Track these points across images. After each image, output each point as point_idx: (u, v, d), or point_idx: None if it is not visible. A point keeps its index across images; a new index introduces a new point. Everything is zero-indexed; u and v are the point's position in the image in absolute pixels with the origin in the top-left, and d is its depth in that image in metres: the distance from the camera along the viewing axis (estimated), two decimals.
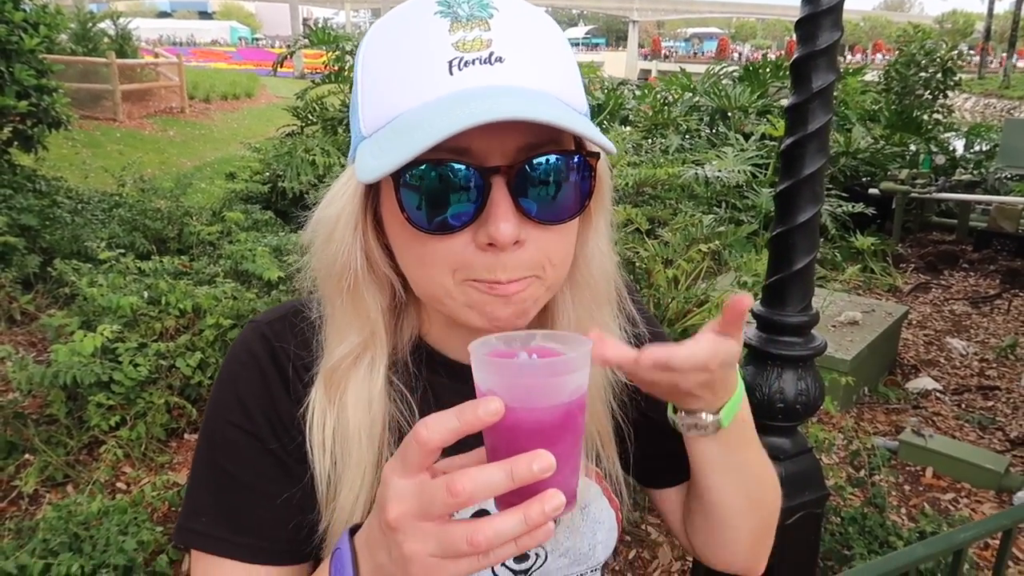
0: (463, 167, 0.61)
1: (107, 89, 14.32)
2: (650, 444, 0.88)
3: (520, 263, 0.65)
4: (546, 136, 0.63)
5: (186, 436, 3.31)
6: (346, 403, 0.72)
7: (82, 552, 2.18)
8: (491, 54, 0.61)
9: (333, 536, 0.72)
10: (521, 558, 0.79)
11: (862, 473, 3.03)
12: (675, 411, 0.76)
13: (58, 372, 2.76)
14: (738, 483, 0.81)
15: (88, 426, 2.98)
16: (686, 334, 3.31)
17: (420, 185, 0.62)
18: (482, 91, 0.59)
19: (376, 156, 0.61)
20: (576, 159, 0.66)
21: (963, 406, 4.49)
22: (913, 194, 8.00)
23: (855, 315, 4.71)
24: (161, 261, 4.23)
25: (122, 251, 4.16)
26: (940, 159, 9.09)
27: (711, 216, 3.64)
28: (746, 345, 1.98)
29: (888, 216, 8.15)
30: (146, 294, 3.57)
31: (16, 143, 6.13)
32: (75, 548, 2.20)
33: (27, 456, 2.86)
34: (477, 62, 0.61)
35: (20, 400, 2.95)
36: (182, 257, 4.73)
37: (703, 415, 0.73)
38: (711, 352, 0.64)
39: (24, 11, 5.79)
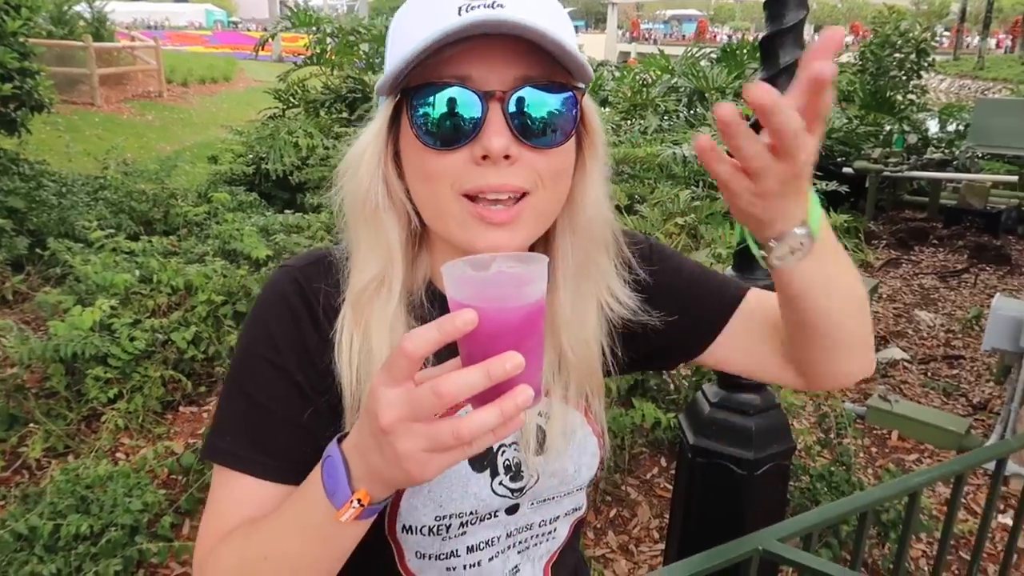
0: (465, 90, 0.72)
1: (84, 73, 14.17)
2: (686, 327, 0.95)
3: (511, 174, 0.75)
4: (540, 72, 0.74)
5: (181, 408, 3.41)
6: (370, 326, 0.81)
7: (90, 513, 2.28)
8: (494, 2, 0.72)
9: None
10: (516, 478, 0.88)
11: (831, 436, 3.19)
12: (763, 253, 0.74)
13: (58, 346, 2.85)
14: (845, 292, 0.82)
15: (87, 399, 3.07)
16: None
17: (427, 105, 0.73)
18: (483, 23, 0.70)
19: (385, 73, 0.73)
20: (565, 93, 0.76)
21: (929, 374, 4.68)
22: (885, 173, 8.18)
23: None
24: (150, 241, 4.30)
25: (112, 231, 4.22)
26: (912, 138, 9.28)
27: (687, 192, 3.77)
28: None
29: (862, 194, 8.33)
30: (138, 272, 3.65)
31: None
32: (82, 510, 2.31)
33: (30, 426, 2.95)
34: (482, 6, 0.71)
35: (20, 374, 3.03)
36: (170, 237, 4.80)
37: (795, 232, 0.71)
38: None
39: None
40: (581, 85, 0.78)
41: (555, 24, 0.75)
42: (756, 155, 0.63)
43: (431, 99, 0.74)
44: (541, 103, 0.75)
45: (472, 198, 0.76)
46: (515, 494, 0.89)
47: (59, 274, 4.30)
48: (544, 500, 0.93)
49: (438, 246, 0.86)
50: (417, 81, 0.74)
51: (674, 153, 5.66)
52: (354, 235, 0.83)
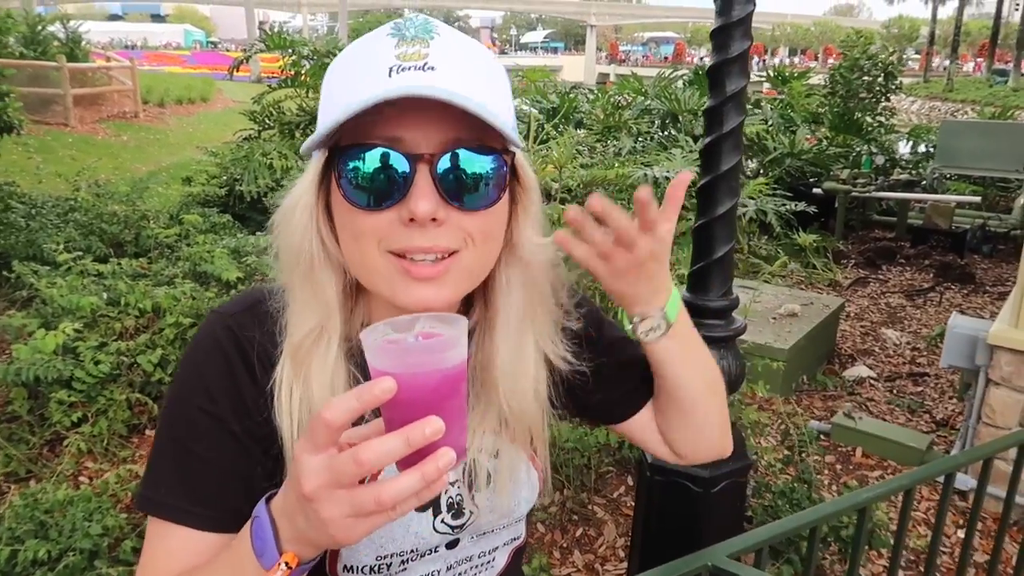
0: (393, 152, 0.74)
1: (58, 93, 14.11)
2: (610, 390, 1.02)
3: (438, 235, 0.76)
4: (471, 135, 0.75)
5: (147, 432, 3.39)
6: (310, 377, 0.81)
7: (48, 538, 2.26)
8: (425, 64, 0.73)
9: None
10: (458, 515, 0.90)
11: (794, 453, 3.24)
12: (631, 327, 0.90)
13: (20, 369, 2.83)
14: (698, 371, 0.97)
15: (50, 423, 3.05)
16: None
17: (356, 167, 0.75)
18: (409, 88, 0.71)
19: (314, 134, 0.75)
20: (495, 156, 0.78)
21: (895, 392, 4.75)
22: (854, 193, 8.33)
23: (794, 307, 4.95)
24: (119, 263, 4.28)
25: (79, 254, 4.20)
26: (880, 159, 9.46)
27: None
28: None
29: (832, 214, 8.47)
30: (105, 295, 3.63)
31: None
32: (41, 535, 2.29)
33: None
34: (413, 68, 0.73)
35: None
36: (140, 260, 4.78)
37: (653, 314, 0.88)
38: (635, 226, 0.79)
39: None
40: (511, 148, 0.80)
41: (487, 86, 0.77)
42: (600, 242, 0.79)
43: (360, 159, 0.74)
44: (470, 166, 0.76)
45: (399, 255, 0.77)
46: (455, 530, 0.91)
47: (25, 297, 4.27)
48: (484, 533, 0.95)
49: (374, 294, 0.87)
50: (347, 140, 0.75)
51: (645, 174, 5.74)
52: (290, 287, 0.84)
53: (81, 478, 2.99)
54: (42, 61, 14.08)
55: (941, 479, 2.18)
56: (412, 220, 0.74)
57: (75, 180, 6.64)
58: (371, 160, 0.74)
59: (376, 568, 0.87)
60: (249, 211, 6.71)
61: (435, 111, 0.73)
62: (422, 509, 0.87)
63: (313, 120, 8.13)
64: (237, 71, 8.31)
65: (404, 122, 0.73)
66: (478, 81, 0.76)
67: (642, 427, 1.06)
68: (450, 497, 0.90)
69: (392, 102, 0.70)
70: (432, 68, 0.73)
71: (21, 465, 2.93)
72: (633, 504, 3.16)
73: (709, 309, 2.11)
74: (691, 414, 1.00)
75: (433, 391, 0.63)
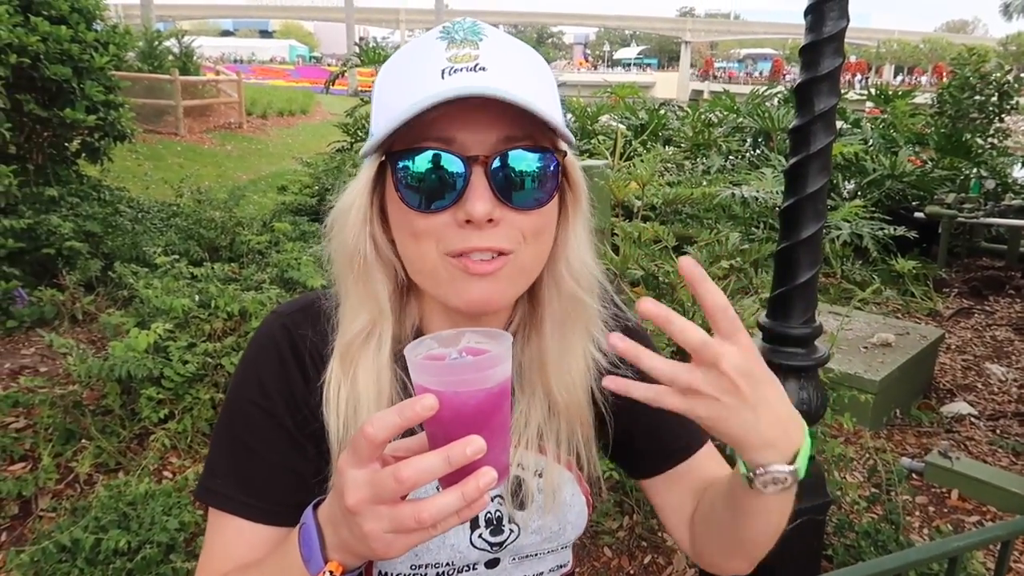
0: (448, 154, 0.74)
1: (170, 105, 14.92)
2: (650, 439, 0.96)
3: (494, 236, 0.76)
4: (522, 133, 0.75)
5: None
6: (357, 375, 0.83)
7: (129, 529, 2.36)
8: (476, 64, 0.74)
9: None
10: (497, 532, 0.89)
11: (881, 491, 3.06)
12: (749, 476, 0.73)
13: (114, 366, 2.98)
14: (780, 523, 0.83)
15: (139, 418, 3.19)
16: None
17: (411, 169, 0.75)
18: (465, 88, 0.71)
19: (370, 139, 0.75)
20: (547, 154, 0.77)
21: (998, 432, 4.44)
22: (960, 218, 7.89)
23: (888, 337, 4.71)
24: (212, 267, 4.46)
25: (176, 257, 4.41)
26: (990, 184, 8.94)
27: (737, 234, 3.71)
28: None
29: (935, 240, 8.05)
30: (197, 297, 3.79)
31: (84, 155, 6.50)
32: (123, 525, 2.39)
33: (83, 442, 3.08)
34: (464, 70, 0.73)
35: (79, 391, 3.18)
36: (232, 264, 4.97)
37: (777, 467, 0.71)
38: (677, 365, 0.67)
39: (96, 31, 6.16)
40: (563, 146, 0.79)
41: (537, 85, 0.77)
42: (655, 368, 0.67)
43: (415, 162, 0.75)
44: (523, 166, 0.76)
45: (458, 255, 0.77)
46: (495, 548, 0.89)
47: (126, 296, 4.50)
48: (526, 556, 0.92)
49: (426, 296, 0.88)
50: (401, 144, 0.75)
51: (733, 194, 5.59)
52: (343, 287, 0.86)
53: (165, 473, 3.11)
54: (157, 74, 14.91)
55: None
56: (468, 221, 0.74)
57: (179, 187, 6.98)
58: (426, 163, 0.74)
59: None
60: None
61: (486, 112, 0.73)
62: None
63: None
64: (334, 85, 8.58)
65: (456, 123, 0.73)
66: (529, 80, 0.76)
67: (660, 496, 1.00)
68: (488, 512, 0.89)
69: (447, 102, 0.70)
70: (484, 68, 0.74)
71: (111, 457, 3.08)
72: None
73: (790, 336, 2.02)
74: (740, 549, 0.89)
75: (475, 409, 0.62)
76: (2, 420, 3.09)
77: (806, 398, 2.02)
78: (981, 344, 5.93)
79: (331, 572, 0.68)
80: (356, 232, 0.82)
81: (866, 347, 4.60)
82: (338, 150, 8.47)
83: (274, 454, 0.85)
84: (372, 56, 8.06)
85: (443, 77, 0.73)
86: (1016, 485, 3.54)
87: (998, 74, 12.96)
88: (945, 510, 3.52)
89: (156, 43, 15.77)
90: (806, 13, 1.86)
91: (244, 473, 0.85)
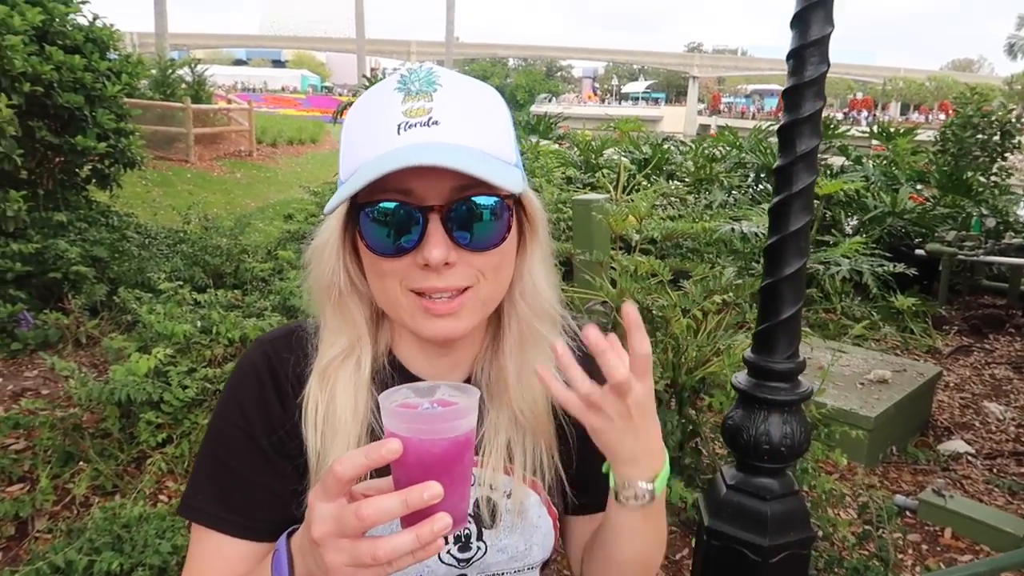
0: (406, 205, 0.81)
1: (181, 132, 15.14)
2: (579, 473, 1.02)
3: (452, 277, 0.83)
4: (474, 180, 0.80)
5: None
6: (335, 391, 0.89)
7: (123, 551, 2.39)
8: (429, 119, 0.80)
9: None
10: (464, 548, 0.94)
11: (872, 527, 3.06)
12: (615, 490, 0.86)
13: (114, 389, 3.03)
14: (644, 547, 0.94)
15: (137, 441, 3.22)
16: (703, 383, 3.42)
17: (376, 219, 0.82)
18: (418, 146, 0.78)
19: (344, 190, 0.81)
20: (499, 200, 0.84)
21: (995, 471, 4.44)
22: (960, 256, 7.93)
23: (885, 373, 4.72)
24: (216, 294, 4.53)
25: (181, 283, 4.47)
26: (991, 222, 8.98)
27: (732, 269, 3.76)
28: (736, 389, 2.11)
29: (935, 278, 8.08)
30: (199, 323, 3.84)
31: (94, 180, 6.61)
32: (117, 548, 2.42)
33: (81, 464, 3.12)
34: (418, 125, 0.80)
35: (80, 414, 3.22)
36: (236, 291, 5.04)
37: (640, 484, 0.84)
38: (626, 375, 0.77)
39: (109, 60, 6.31)
40: (518, 185, 0.84)
41: (488, 132, 0.83)
42: (586, 392, 0.78)
43: (377, 212, 0.82)
44: (477, 211, 0.82)
45: (419, 293, 0.84)
46: (461, 564, 0.94)
47: (129, 321, 4.56)
48: (493, 575, 0.96)
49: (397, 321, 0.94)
50: (364, 194, 0.81)
51: (732, 228, 5.65)
52: (323, 315, 0.93)
53: (160, 496, 3.14)
54: (169, 102, 15.15)
55: None
56: (427, 266, 0.81)
57: (187, 213, 7.08)
58: (387, 213, 0.81)
59: None
60: None
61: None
62: None
63: None
64: (342, 115, 8.71)
65: (413, 176, 0.79)
66: (479, 129, 0.83)
67: (579, 533, 1.06)
68: (457, 529, 0.93)
69: (396, 167, 0.76)
70: (436, 123, 0.80)
71: (108, 480, 3.11)
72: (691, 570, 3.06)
73: (774, 371, 2.05)
74: (612, 567, 0.98)
75: (438, 457, 0.67)
76: (2, 441, 3.13)
77: (789, 432, 2.05)
78: (980, 382, 5.93)
79: None
80: (331, 267, 0.89)
81: (862, 383, 4.62)
82: None
83: (252, 473, 0.91)
84: None
85: (399, 132, 0.79)
86: (1010, 524, 3.54)
87: (1000, 113, 13.08)
88: (938, 548, 3.52)
89: (169, 72, 16.03)
90: (788, 58, 1.92)
91: (224, 491, 0.90)
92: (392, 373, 0.94)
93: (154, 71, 15.09)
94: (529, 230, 0.92)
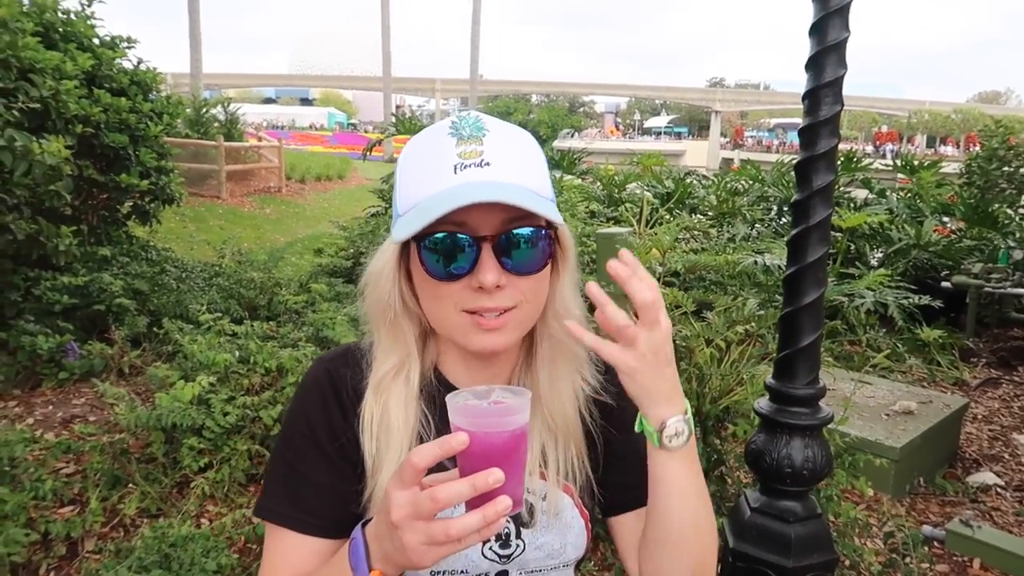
0: (462, 235, 0.93)
1: (214, 169, 15.55)
2: (613, 472, 1.12)
3: (501, 298, 0.94)
4: (520, 213, 0.93)
5: (263, 482, 3.65)
6: (388, 404, 1.01)
7: (170, 569, 2.50)
8: (482, 160, 0.93)
9: (373, 502, 1.00)
10: (505, 545, 1.04)
11: (897, 556, 3.09)
12: (657, 436, 0.91)
13: (161, 415, 3.17)
14: (691, 506, 0.96)
15: (181, 466, 3.35)
16: (728, 412, 3.48)
17: (434, 248, 0.94)
18: (474, 184, 0.91)
19: (405, 227, 0.93)
20: (541, 231, 0.96)
21: None
22: (987, 288, 7.91)
23: (910, 404, 4.75)
24: (252, 325, 4.68)
25: (219, 315, 4.64)
26: (1018, 254, 8.95)
27: (754, 300, 3.83)
28: (758, 414, 2.19)
29: (962, 310, 8.05)
30: (237, 353, 3.99)
31: (134, 216, 6.86)
32: (164, 566, 2.53)
33: (129, 487, 3.25)
34: (472, 165, 0.92)
35: (126, 439, 3.37)
36: (270, 322, 5.19)
37: (679, 420, 0.90)
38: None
39: (151, 101, 6.59)
40: (555, 222, 0.96)
41: (532, 169, 0.96)
42: (616, 317, 0.86)
43: (435, 243, 0.94)
44: (522, 241, 0.94)
45: (472, 312, 0.96)
46: (503, 560, 1.04)
47: (170, 351, 4.73)
48: (532, 571, 1.06)
49: (443, 339, 1.06)
50: (424, 228, 0.93)
51: (755, 261, 5.72)
52: (377, 334, 1.05)
53: (202, 519, 3.26)
54: (203, 140, 15.59)
55: None
56: (480, 287, 0.92)
57: (221, 248, 7.31)
58: (445, 243, 0.93)
59: None
60: None
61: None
62: None
63: None
64: (371, 152, 8.96)
65: (468, 210, 0.91)
66: (524, 166, 0.95)
67: (627, 531, 1.11)
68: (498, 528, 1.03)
69: (458, 203, 0.88)
70: (488, 164, 0.92)
71: (153, 503, 3.24)
72: None
73: (795, 397, 2.14)
74: (671, 549, 0.99)
75: (498, 447, 0.78)
76: (54, 465, 3.27)
77: (811, 456, 2.12)
78: (1009, 414, 5.90)
79: None
80: (388, 290, 1.02)
81: (888, 414, 4.64)
82: (373, 215, 8.77)
83: (319, 476, 1.02)
84: (407, 125, 8.43)
85: (455, 172, 0.92)
86: None
87: None
88: None
89: (204, 111, 16.51)
90: (804, 98, 2.04)
91: (296, 494, 1.02)
92: (438, 387, 1.06)
93: (188, 110, 15.55)
94: (561, 257, 1.04)
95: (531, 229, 0.95)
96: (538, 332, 1.06)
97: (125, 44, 6.48)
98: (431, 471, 0.79)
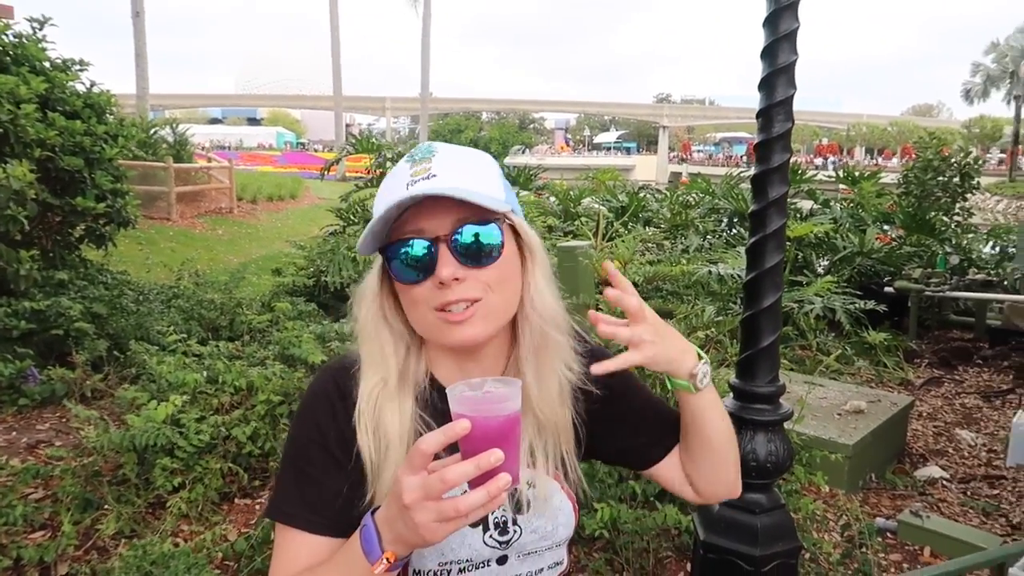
0: (419, 239, 1.04)
1: (163, 191, 15.30)
2: (639, 434, 1.25)
3: (463, 289, 1.04)
4: (470, 213, 1.04)
5: (237, 500, 3.66)
6: (383, 415, 1.08)
7: None
8: (429, 174, 1.04)
9: (375, 505, 1.06)
10: (503, 532, 1.12)
11: (854, 546, 3.26)
12: (691, 384, 1.11)
13: (135, 435, 3.17)
14: (725, 418, 1.18)
15: (154, 487, 3.35)
16: None
17: (398, 255, 1.05)
18: (415, 194, 1.01)
19: (364, 238, 1.05)
20: (490, 224, 1.06)
21: (968, 494, 4.65)
22: (927, 292, 8.27)
23: (860, 404, 4.96)
24: (217, 346, 4.68)
25: (185, 336, 4.63)
26: (954, 259, 9.38)
27: (713, 307, 4.00)
28: None
29: (905, 314, 8.40)
30: (205, 373, 4.00)
31: (87, 240, 6.77)
32: None
33: (103, 509, 3.23)
34: (421, 179, 1.03)
35: (97, 461, 3.35)
36: (234, 343, 5.19)
37: (700, 364, 1.10)
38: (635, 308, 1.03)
39: (106, 124, 6.54)
40: (502, 212, 1.08)
41: (478, 175, 1.08)
42: (632, 299, 1.03)
43: (400, 251, 1.05)
44: (474, 235, 1.05)
45: (441, 309, 1.05)
46: (502, 546, 1.12)
47: (134, 374, 4.70)
48: (528, 553, 1.15)
49: (431, 348, 1.16)
50: (390, 239, 1.06)
51: (709, 271, 5.94)
52: (363, 349, 1.13)
53: (177, 539, 3.26)
54: (152, 162, 15.36)
55: None
56: (442, 283, 1.03)
57: (179, 270, 7.25)
58: (405, 248, 1.05)
59: (439, 573, 1.10)
60: (332, 300, 7.17)
61: (441, 205, 1.03)
62: (474, 525, 1.09)
63: None
64: (328, 172, 8.98)
65: (422, 217, 1.03)
66: (468, 176, 1.06)
67: (668, 469, 1.26)
68: (496, 517, 1.12)
69: (407, 204, 1.02)
70: (434, 175, 1.04)
71: (127, 524, 3.23)
72: None
73: (757, 394, 2.28)
74: (718, 454, 1.20)
75: (496, 430, 0.88)
76: (22, 491, 3.24)
77: (773, 450, 2.26)
78: (951, 411, 6.19)
79: (387, 559, 0.92)
80: (369, 307, 1.12)
81: (839, 414, 4.85)
82: (331, 233, 8.78)
83: (327, 478, 1.09)
84: (365, 145, 8.49)
85: (407, 188, 1.03)
86: (986, 542, 3.73)
87: (960, 156, 13.68)
88: (918, 566, 3.71)
89: (152, 132, 16.27)
90: (757, 116, 2.19)
91: (304, 494, 1.09)
92: (432, 392, 1.14)
93: (140, 133, 15.31)
94: (528, 252, 1.13)
95: (480, 225, 1.05)
96: (519, 326, 1.14)
97: (77, 67, 6.42)
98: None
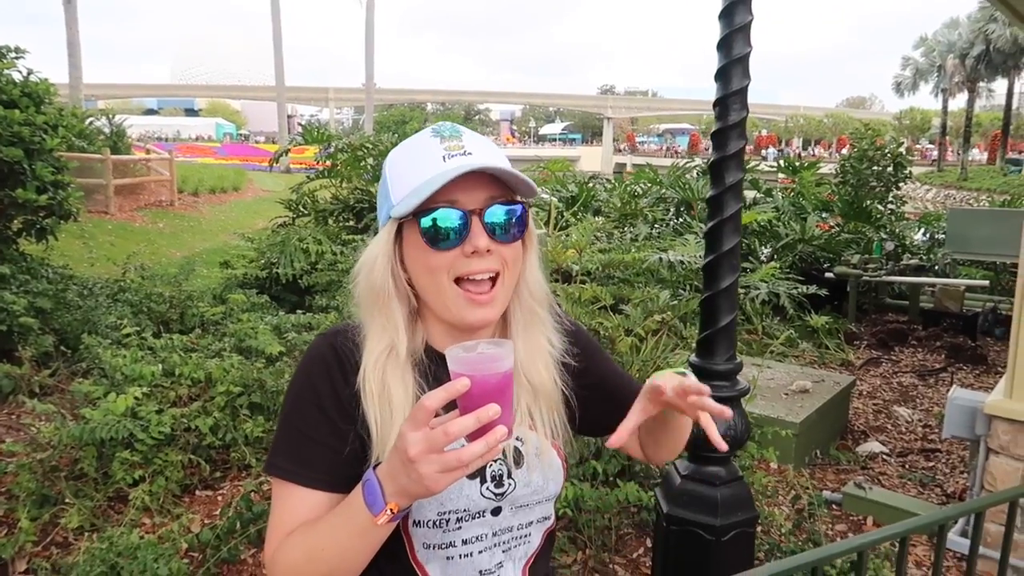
0: (455, 210, 1.10)
1: (100, 184, 14.88)
2: (608, 401, 1.32)
3: (488, 261, 1.11)
4: (500, 192, 1.12)
5: (198, 492, 3.63)
6: (387, 380, 1.14)
7: None
8: (464, 151, 1.11)
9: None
10: (499, 484, 1.19)
11: (803, 516, 3.41)
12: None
13: (94, 428, 3.12)
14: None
15: (113, 480, 3.31)
16: None
17: (431, 221, 1.10)
18: (461, 166, 1.08)
19: (405, 206, 1.10)
20: (518, 206, 1.14)
21: (907, 466, 4.90)
22: (864, 277, 8.60)
23: (806, 384, 5.17)
24: (171, 339, 4.61)
25: (139, 328, 4.55)
26: (889, 245, 9.76)
27: (667, 292, 4.12)
28: None
29: (844, 298, 8.73)
30: (160, 366, 3.95)
31: (25, 234, 6.57)
32: (113, 575, 2.53)
33: (62, 504, 3.18)
34: (458, 154, 1.10)
35: (54, 456, 3.29)
36: (188, 335, 5.11)
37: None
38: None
39: (45, 114, 6.34)
40: (527, 200, 1.16)
41: (504, 162, 1.15)
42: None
43: (433, 217, 1.10)
44: (504, 214, 1.13)
45: (458, 282, 1.11)
46: (497, 497, 1.19)
47: (84, 368, 4.59)
48: (521, 506, 1.22)
49: (430, 319, 1.21)
50: (421, 206, 1.10)
51: (660, 258, 6.07)
52: (368, 316, 1.18)
53: (140, 532, 3.22)
54: (88, 154, 14.89)
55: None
56: (474, 252, 1.10)
57: (124, 264, 7.08)
58: (441, 216, 1.10)
59: (437, 523, 1.15)
60: (284, 292, 7.10)
61: (475, 180, 1.10)
62: (472, 477, 1.16)
63: (346, 208, 8.62)
64: (277, 163, 8.86)
65: (457, 190, 1.09)
66: (498, 158, 1.14)
67: (631, 440, 1.36)
68: (492, 471, 1.19)
69: (454, 175, 1.07)
70: (470, 153, 1.12)
71: (86, 519, 3.18)
72: (651, 564, 3.34)
73: (716, 372, 2.38)
74: (681, 443, 1.34)
75: (493, 387, 0.94)
76: None
77: (732, 424, 2.37)
78: (889, 390, 6.48)
79: (391, 510, 0.98)
80: (382, 273, 1.15)
81: (786, 394, 5.04)
82: (281, 225, 8.67)
83: (323, 437, 1.14)
84: (315, 136, 8.40)
85: (444, 160, 1.10)
86: (923, 510, 3.95)
87: (892, 147, 14.18)
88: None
89: (88, 122, 15.76)
90: (714, 106, 2.29)
91: (300, 452, 1.14)
92: (428, 361, 1.20)
93: (80, 124, 14.81)
94: (528, 236, 1.21)
95: (511, 204, 1.14)
96: (512, 305, 1.22)
97: (13, 55, 6.21)
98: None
